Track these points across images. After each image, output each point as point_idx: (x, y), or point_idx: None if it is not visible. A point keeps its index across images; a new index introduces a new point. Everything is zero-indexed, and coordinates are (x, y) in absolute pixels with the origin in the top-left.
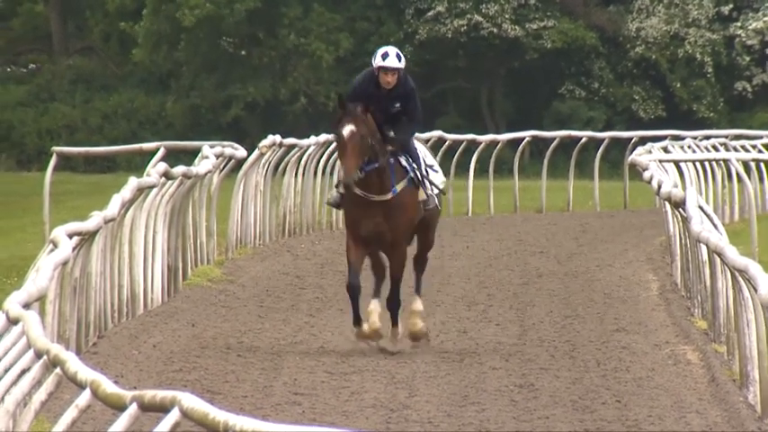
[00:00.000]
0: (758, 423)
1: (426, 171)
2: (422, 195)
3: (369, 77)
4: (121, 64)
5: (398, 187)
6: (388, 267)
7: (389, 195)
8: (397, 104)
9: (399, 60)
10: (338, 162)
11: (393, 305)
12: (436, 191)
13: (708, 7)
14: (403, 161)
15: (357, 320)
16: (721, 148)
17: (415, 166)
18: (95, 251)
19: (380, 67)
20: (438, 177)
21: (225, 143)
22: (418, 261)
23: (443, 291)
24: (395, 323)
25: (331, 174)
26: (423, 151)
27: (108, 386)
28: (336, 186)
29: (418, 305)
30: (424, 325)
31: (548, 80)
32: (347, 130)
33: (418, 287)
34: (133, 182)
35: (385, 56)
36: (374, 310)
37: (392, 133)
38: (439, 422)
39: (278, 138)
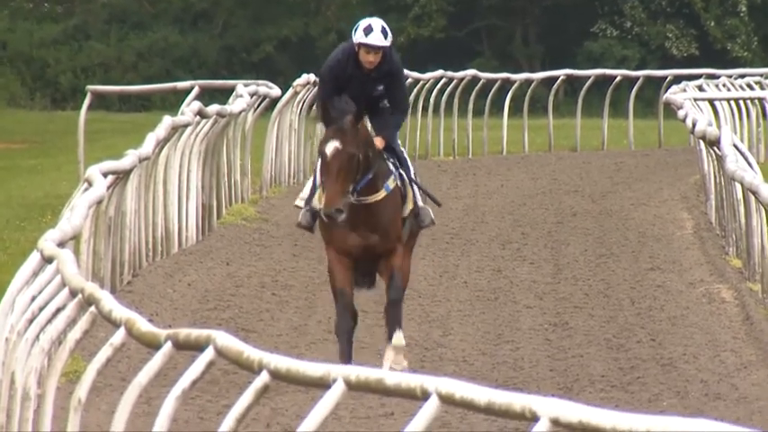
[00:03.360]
0: None
1: (416, 179)
2: (410, 206)
3: (347, 54)
4: (156, 2)
5: (391, 184)
6: (387, 286)
7: (382, 194)
8: (380, 87)
9: (385, 37)
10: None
11: (397, 312)
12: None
13: None
14: (389, 161)
15: (346, 357)
16: (756, 87)
17: (402, 171)
18: (130, 190)
19: (361, 45)
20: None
21: (259, 82)
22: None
23: (478, 230)
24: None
25: None
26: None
27: (142, 324)
28: (306, 206)
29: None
30: (406, 364)
31: (580, 19)
32: (330, 147)
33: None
34: (167, 120)
35: (368, 30)
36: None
37: (369, 125)
38: (473, 360)
39: (312, 77)
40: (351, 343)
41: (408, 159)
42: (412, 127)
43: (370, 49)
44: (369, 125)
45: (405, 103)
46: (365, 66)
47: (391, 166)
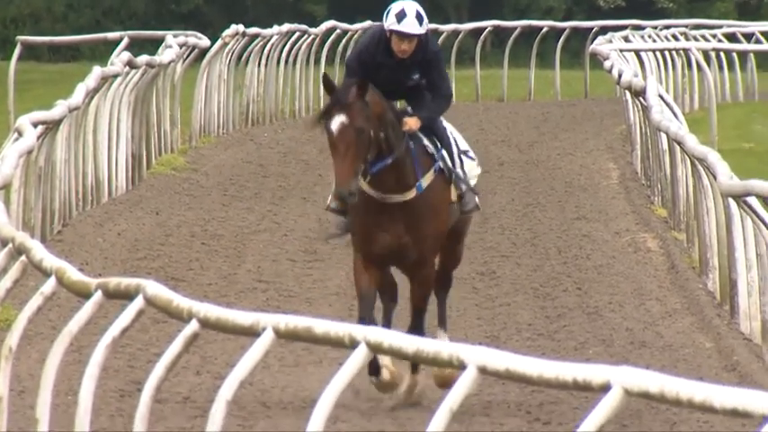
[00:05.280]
0: (717, 309)
1: (460, 158)
2: (455, 192)
3: (378, 40)
4: None
5: (424, 181)
6: (410, 292)
7: (413, 193)
8: (416, 75)
9: (420, 23)
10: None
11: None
12: (474, 174)
13: None
14: (427, 144)
15: (374, 368)
16: (681, 38)
17: (444, 152)
18: (60, 140)
19: (393, 32)
20: (472, 167)
21: (188, 33)
22: (441, 281)
23: None
24: (415, 369)
25: (294, 63)
26: (453, 132)
27: (73, 274)
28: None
29: (444, 339)
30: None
31: None
32: (336, 123)
33: (442, 318)
34: (97, 71)
35: (401, 16)
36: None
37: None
38: (400, 309)
39: (241, 27)
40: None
41: (454, 137)
42: (340, 78)
43: (404, 36)
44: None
45: (447, 90)
46: (398, 54)
47: (431, 150)
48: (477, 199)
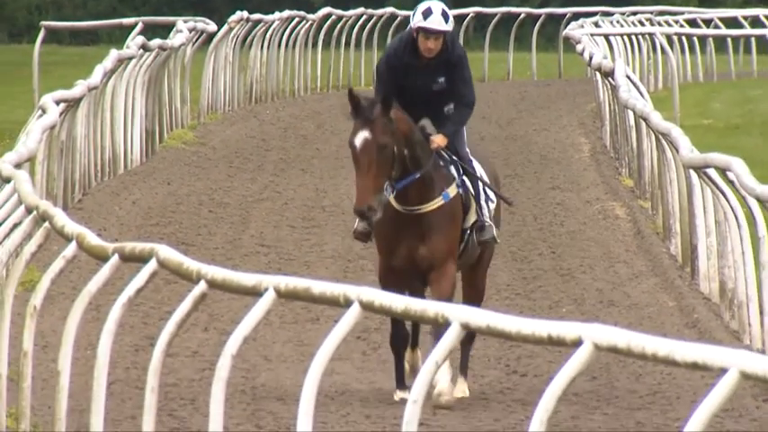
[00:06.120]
0: (679, 271)
1: (485, 191)
2: (473, 217)
3: (406, 42)
4: None
5: (451, 192)
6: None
7: (440, 201)
8: (441, 79)
9: (446, 21)
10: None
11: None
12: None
13: None
14: (452, 171)
15: (401, 382)
16: (647, 23)
17: (465, 178)
18: (80, 116)
19: (420, 29)
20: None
21: (197, 18)
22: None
23: None
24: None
25: (293, 47)
26: (478, 169)
27: (92, 239)
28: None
29: (463, 389)
30: (452, 400)
31: None
32: (360, 138)
33: (464, 366)
34: (114, 53)
35: (427, 14)
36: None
37: (425, 122)
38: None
39: (245, 14)
40: (402, 356)
41: (476, 162)
42: (336, 59)
43: (430, 33)
44: (427, 125)
45: (469, 97)
46: (424, 54)
47: (453, 172)
48: (495, 231)
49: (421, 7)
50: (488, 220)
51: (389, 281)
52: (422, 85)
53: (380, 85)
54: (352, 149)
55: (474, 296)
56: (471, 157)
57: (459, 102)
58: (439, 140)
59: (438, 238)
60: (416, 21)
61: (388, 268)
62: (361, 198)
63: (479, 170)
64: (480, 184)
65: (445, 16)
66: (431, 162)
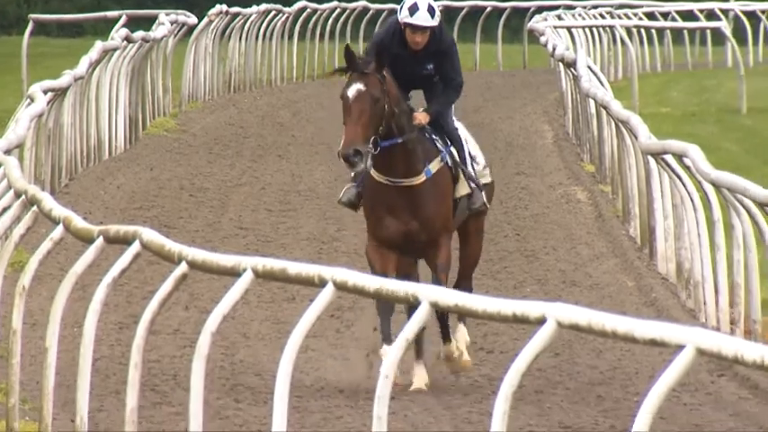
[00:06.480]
0: (638, 253)
1: (470, 157)
2: (464, 189)
3: (393, 32)
4: None
5: (432, 167)
6: (432, 275)
7: (422, 178)
8: (429, 66)
9: (432, 17)
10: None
11: (443, 316)
12: (483, 181)
13: None
14: (436, 139)
15: (387, 338)
16: (607, 16)
17: (453, 149)
18: (67, 105)
19: (407, 24)
20: (480, 172)
21: (179, 11)
22: (461, 284)
23: None
24: (447, 338)
25: (270, 38)
26: (466, 136)
27: (78, 222)
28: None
29: (463, 334)
30: (467, 359)
31: None
32: (353, 89)
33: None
34: (99, 45)
35: (413, 9)
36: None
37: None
38: (363, 253)
39: (224, 7)
40: (390, 322)
41: (464, 137)
42: (310, 50)
43: (416, 29)
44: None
45: (458, 80)
46: (412, 46)
47: (439, 146)
48: (484, 196)
49: (408, 1)
50: (474, 183)
51: (376, 258)
52: (410, 72)
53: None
54: (344, 100)
55: (468, 264)
56: (457, 125)
57: (447, 84)
58: (421, 117)
59: (427, 214)
60: (403, 16)
61: (376, 245)
62: (349, 140)
63: (465, 134)
64: (466, 147)
65: (431, 11)
66: (414, 132)
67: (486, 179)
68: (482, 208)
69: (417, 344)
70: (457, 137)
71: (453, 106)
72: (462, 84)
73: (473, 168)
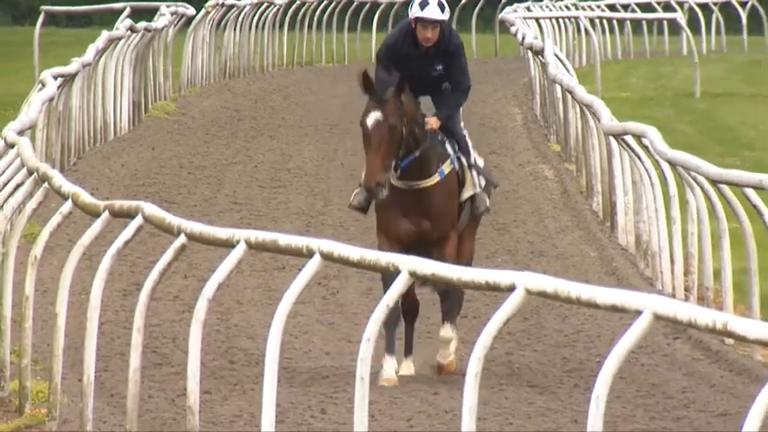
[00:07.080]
0: (600, 226)
1: (475, 162)
2: (469, 192)
3: (405, 33)
4: None
5: (446, 169)
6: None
7: (436, 179)
8: (439, 66)
9: (442, 11)
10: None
11: (448, 306)
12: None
13: None
14: (447, 146)
15: (391, 349)
16: (572, 8)
17: (461, 155)
18: (75, 90)
19: (417, 19)
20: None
21: (179, 3)
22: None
23: (354, 122)
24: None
25: (263, 28)
26: (470, 144)
27: (85, 197)
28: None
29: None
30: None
31: None
32: (372, 119)
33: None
34: (105, 34)
35: (424, 4)
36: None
37: (423, 99)
38: (348, 226)
39: None
40: (395, 334)
41: (470, 143)
42: (299, 40)
43: (427, 23)
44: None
45: (465, 83)
46: (422, 43)
47: (449, 149)
48: (487, 201)
49: None
50: (481, 190)
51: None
52: (422, 72)
53: (379, 69)
54: (363, 128)
55: (464, 260)
56: (464, 133)
57: (455, 87)
58: (433, 122)
59: (439, 212)
60: (414, 11)
61: (387, 247)
62: (371, 174)
63: (471, 145)
64: (473, 154)
65: (441, 6)
66: (428, 140)
67: (483, 183)
68: (485, 212)
69: (407, 342)
70: (465, 144)
71: (461, 110)
72: (470, 87)
73: (478, 178)
